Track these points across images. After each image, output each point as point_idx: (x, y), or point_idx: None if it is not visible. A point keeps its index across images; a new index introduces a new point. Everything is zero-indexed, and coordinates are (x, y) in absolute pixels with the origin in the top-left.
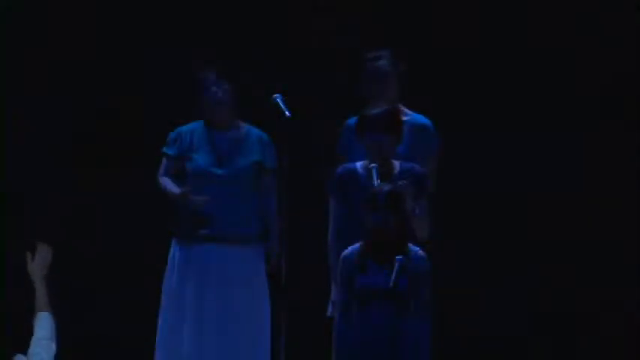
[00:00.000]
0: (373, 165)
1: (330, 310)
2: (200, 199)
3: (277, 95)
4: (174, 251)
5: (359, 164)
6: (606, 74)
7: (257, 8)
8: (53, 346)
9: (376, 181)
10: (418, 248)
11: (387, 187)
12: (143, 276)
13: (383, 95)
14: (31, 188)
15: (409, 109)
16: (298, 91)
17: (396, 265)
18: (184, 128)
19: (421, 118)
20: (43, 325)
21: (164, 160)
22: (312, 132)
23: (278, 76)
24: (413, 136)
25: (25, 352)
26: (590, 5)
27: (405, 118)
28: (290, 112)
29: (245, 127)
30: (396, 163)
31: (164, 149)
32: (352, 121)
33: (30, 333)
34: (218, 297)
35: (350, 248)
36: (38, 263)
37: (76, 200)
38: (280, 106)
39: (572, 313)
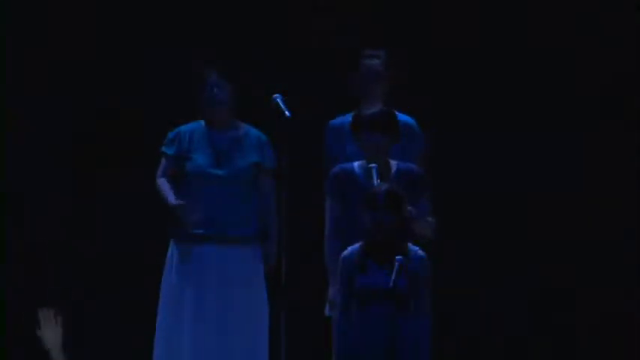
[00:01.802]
0: (373, 165)
1: (327, 310)
2: (194, 217)
3: (277, 95)
4: (172, 251)
5: (356, 164)
6: (606, 74)
7: (257, 8)
8: None
9: (376, 181)
10: (418, 248)
11: (385, 187)
12: (143, 276)
13: (371, 94)
14: (31, 188)
15: (396, 110)
16: (298, 91)
17: (396, 265)
18: (184, 128)
19: (405, 118)
20: None
21: (163, 160)
22: (312, 132)
23: (278, 76)
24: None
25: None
26: (590, 5)
27: None
28: (290, 112)
29: (244, 127)
30: (393, 163)
31: (163, 149)
32: (335, 121)
33: (29, 332)
34: (217, 297)
35: (350, 248)
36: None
37: (76, 200)
38: (280, 106)
39: (572, 313)
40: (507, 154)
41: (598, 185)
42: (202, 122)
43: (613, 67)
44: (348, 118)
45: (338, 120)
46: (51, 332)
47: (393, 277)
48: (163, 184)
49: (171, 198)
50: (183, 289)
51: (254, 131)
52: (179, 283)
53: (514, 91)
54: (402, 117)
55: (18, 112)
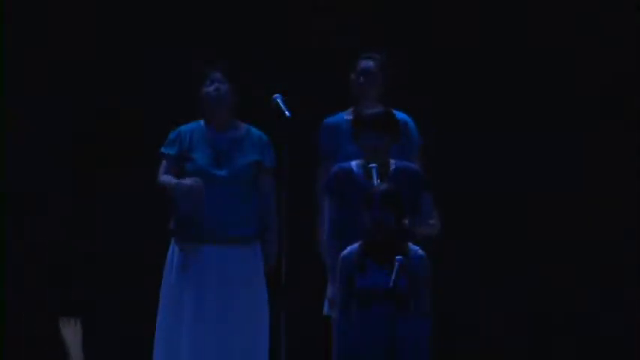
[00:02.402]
0: (373, 165)
1: (326, 309)
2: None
3: (277, 95)
4: (172, 250)
5: (354, 163)
6: (606, 74)
7: (257, 8)
8: None
9: (376, 181)
10: (418, 248)
11: (384, 187)
12: (143, 276)
13: (366, 95)
14: (31, 188)
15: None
16: (298, 91)
17: (396, 265)
18: (184, 128)
19: (402, 116)
20: None
21: (163, 161)
22: (312, 132)
23: (278, 76)
24: None
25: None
26: (590, 5)
27: None
28: (290, 112)
29: (245, 127)
30: (392, 162)
31: (164, 149)
32: (330, 120)
33: (29, 332)
34: (217, 297)
35: (349, 248)
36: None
37: (76, 200)
38: (280, 106)
39: (572, 313)
40: (507, 154)
41: (598, 185)
42: (202, 122)
43: (613, 67)
44: (343, 116)
45: (333, 118)
46: (71, 333)
47: (393, 277)
48: (168, 178)
49: (183, 179)
50: (183, 288)
51: (255, 131)
52: (179, 282)
53: (514, 91)
54: (399, 115)
55: (18, 112)
